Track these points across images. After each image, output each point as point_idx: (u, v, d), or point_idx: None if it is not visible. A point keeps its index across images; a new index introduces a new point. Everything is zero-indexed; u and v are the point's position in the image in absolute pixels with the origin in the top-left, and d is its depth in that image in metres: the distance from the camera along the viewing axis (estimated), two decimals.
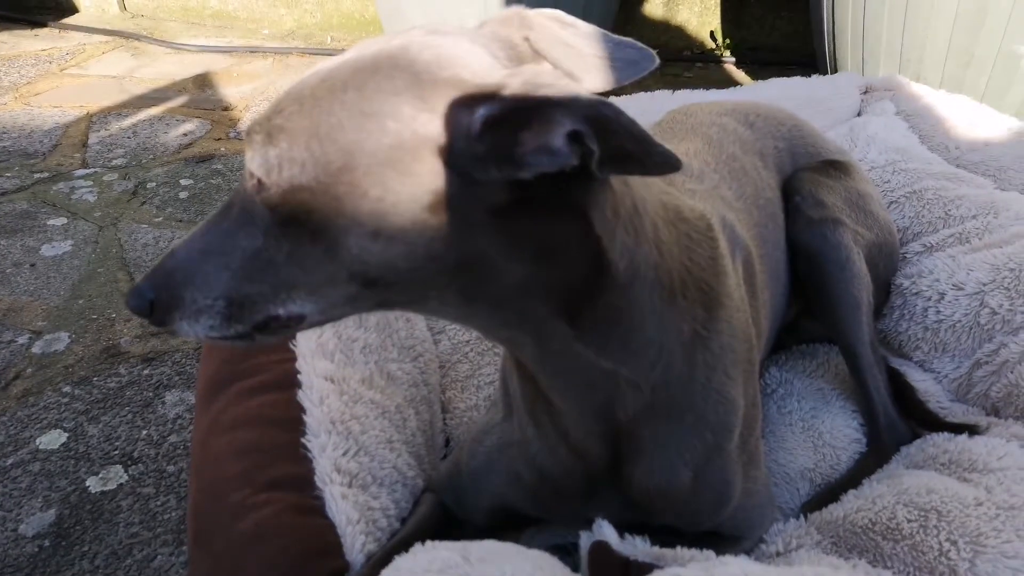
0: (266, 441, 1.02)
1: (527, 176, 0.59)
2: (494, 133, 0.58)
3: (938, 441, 1.18)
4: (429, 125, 0.60)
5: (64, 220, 2.44)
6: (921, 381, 1.37)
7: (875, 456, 1.22)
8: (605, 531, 0.87)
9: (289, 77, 3.58)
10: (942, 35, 2.42)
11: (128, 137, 3.03)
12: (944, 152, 1.82)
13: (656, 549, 0.87)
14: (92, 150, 2.92)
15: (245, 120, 3.17)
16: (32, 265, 2.20)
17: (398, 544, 0.91)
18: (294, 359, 1.13)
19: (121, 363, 1.80)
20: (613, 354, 0.77)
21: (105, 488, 1.46)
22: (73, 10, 4.64)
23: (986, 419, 1.26)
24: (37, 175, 2.73)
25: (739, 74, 3.70)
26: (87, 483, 1.47)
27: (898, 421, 1.25)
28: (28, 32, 4.30)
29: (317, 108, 0.62)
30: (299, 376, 1.10)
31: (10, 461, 1.52)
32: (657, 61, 0.78)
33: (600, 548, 0.86)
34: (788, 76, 2.22)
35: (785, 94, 2.00)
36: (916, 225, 1.58)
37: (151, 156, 2.88)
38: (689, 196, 0.98)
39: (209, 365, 1.17)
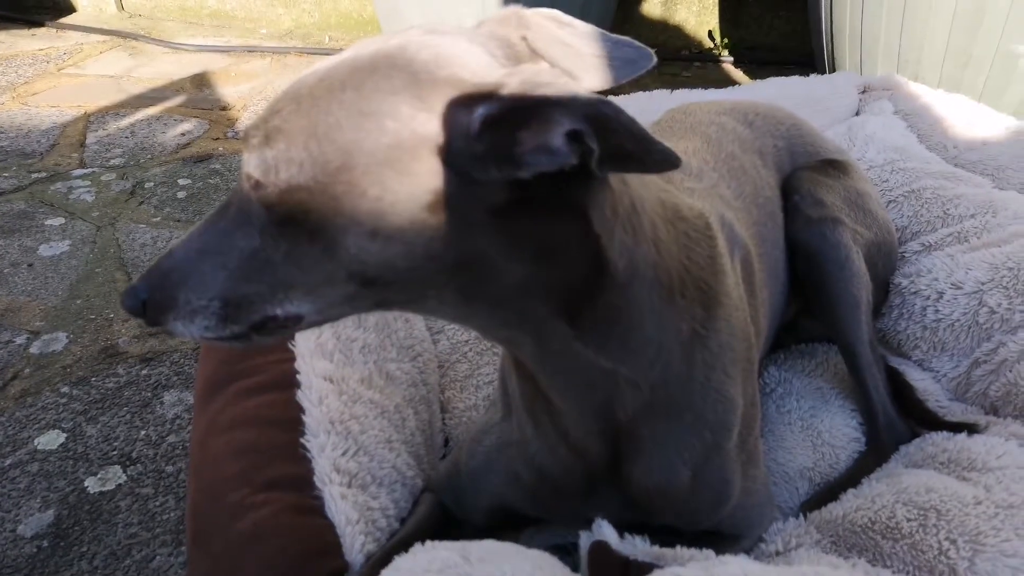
0: (265, 441, 1.01)
1: (526, 175, 0.59)
2: (493, 132, 0.58)
3: (937, 440, 1.18)
4: (428, 124, 0.60)
5: (62, 220, 2.44)
6: (920, 380, 1.37)
7: (874, 455, 1.22)
8: (605, 531, 0.87)
9: (287, 77, 3.58)
10: (940, 35, 2.42)
11: (126, 137, 3.02)
12: (942, 151, 1.82)
13: (656, 549, 0.87)
14: (90, 150, 2.92)
15: (243, 120, 3.17)
16: (30, 265, 2.20)
17: (397, 544, 0.91)
18: (293, 359, 1.13)
19: (119, 363, 1.80)
20: (612, 353, 0.77)
21: (104, 488, 1.46)
22: (71, 10, 4.64)
23: (985, 418, 1.26)
24: (35, 175, 2.72)
25: (737, 73, 3.70)
26: (86, 483, 1.47)
27: (897, 420, 1.25)
28: (25, 32, 4.30)
29: (315, 108, 0.62)
30: (298, 376, 1.10)
31: (8, 462, 1.52)
32: (655, 60, 0.78)
33: (600, 548, 0.86)
34: (786, 75, 2.22)
35: (783, 93, 2.00)
36: (915, 224, 1.58)
37: (149, 156, 2.88)
38: (688, 194, 0.98)
39: (207, 365, 1.17)
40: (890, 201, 1.63)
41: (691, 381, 0.84)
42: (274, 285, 0.66)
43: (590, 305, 0.72)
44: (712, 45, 3.94)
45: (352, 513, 0.94)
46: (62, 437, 1.58)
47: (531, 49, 0.73)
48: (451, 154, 0.60)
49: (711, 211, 0.94)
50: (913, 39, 2.49)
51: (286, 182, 0.62)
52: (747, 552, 1.02)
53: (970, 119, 1.89)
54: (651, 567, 0.82)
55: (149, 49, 4.05)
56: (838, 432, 1.26)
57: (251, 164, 0.63)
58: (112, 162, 2.83)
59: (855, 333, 1.24)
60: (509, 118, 0.57)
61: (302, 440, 1.01)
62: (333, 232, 0.62)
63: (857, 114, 2.07)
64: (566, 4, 1.26)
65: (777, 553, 1.02)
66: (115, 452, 1.54)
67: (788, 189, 1.31)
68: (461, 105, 0.59)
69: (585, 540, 0.88)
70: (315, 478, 0.98)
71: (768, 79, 2.21)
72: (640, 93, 2.09)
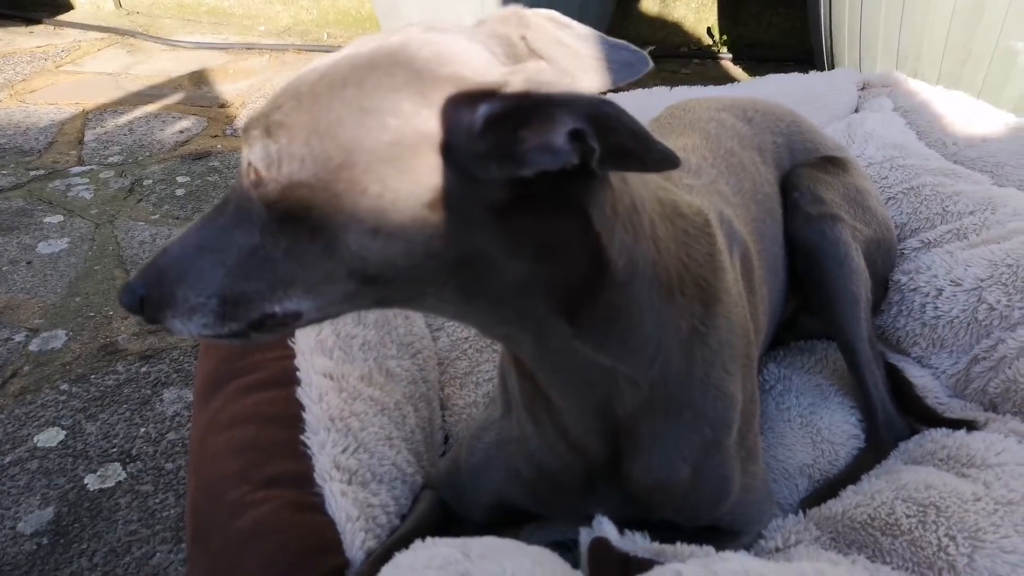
0: (264, 438, 1.01)
1: (528, 174, 0.59)
2: (495, 131, 0.58)
3: (936, 437, 1.18)
4: (429, 122, 0.60)
5: (60, 217, 2.44)
6: (919, 377, 1.37)
7: (873, 452, 1.22)
8: (605, 527, 0.87)
9: (285, 74, 3.57)
10: (939, 31, 2.42)
11: (124, 134, 3.02)
12: (942, 148, 1.82)
13: (656, 545, 0.88)
14: (88, 147, 2.91)
15: (241, 117, 3.17)
16: (28, 263, 2.19)
17: (398, 541, 0.91)
18: (293, 356, 1.13)
19: (119, 361, 1.80)
20: (611, 351, 0.77)
21: (103, 486, 1.46)
22: (68, 7, 4.63)
23: (984, 415, 1.26)
24: (33, 172, 2.72)
25: (736, 70, 3.70)
26: (85, 481, 1.47)
27: (896, 417, 1.25)
28: (23, 29, 4.29)
29: (316, 104, 0.61)
30: (298, 373, 1.10)
31: (8, 459, 1.52)
32: (651, 64, 0.79)
33: (600, 544, 0.86)
34: (785, 72, 2.22)
35: (782, 90, 2.00)
36: (914, 221, 1.58)
37: (147, 153, 2.87)
38: (687, 191, 0.98)
39: (207, 362, 1.17)
40: (889, 198, 1.63)
41: (690, 378, 0.84)
42: (273, 282, 0.65)
43: (589, 303, 0.72)
44: (711, 42, 3.93)
45: (352, 510, 0.94)
46: (62, 434, 1.58)
47: (530, 49, 0.73)
48: (453, 152, 0.60)
49: (710, 208, 0.94)
50: (912, 36, 2.49)
51: (287, 178, 0.62)
52: (747, 548, 1.02)
53: (969, 116, 1.89)
54: (651, 563, 0.82)
55: (147, 46, 4.04)
56: (837, 429, 1.26)
57: (255, 155, 0.63)
58: (110, 159, 2.83)
59: (854, 330, 1.24)
60: (511, 116, 0.57)
61: (302, 437, 1.01)
62: (334, 229, 0.61)
63: (856, 111, 2.07)
64: (564, 2, 1.26)
65: (777, 549, 1.02)
66: (115, 449, 1.54)
67: (787, 186, 1.31)
68: (463, 103, 0.59)
69: (585, 536, 0.88)
70: (315, 475, 0.98)
71: (767, 76, 2.22)
72: (639, 90, 2.09)
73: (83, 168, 2.76)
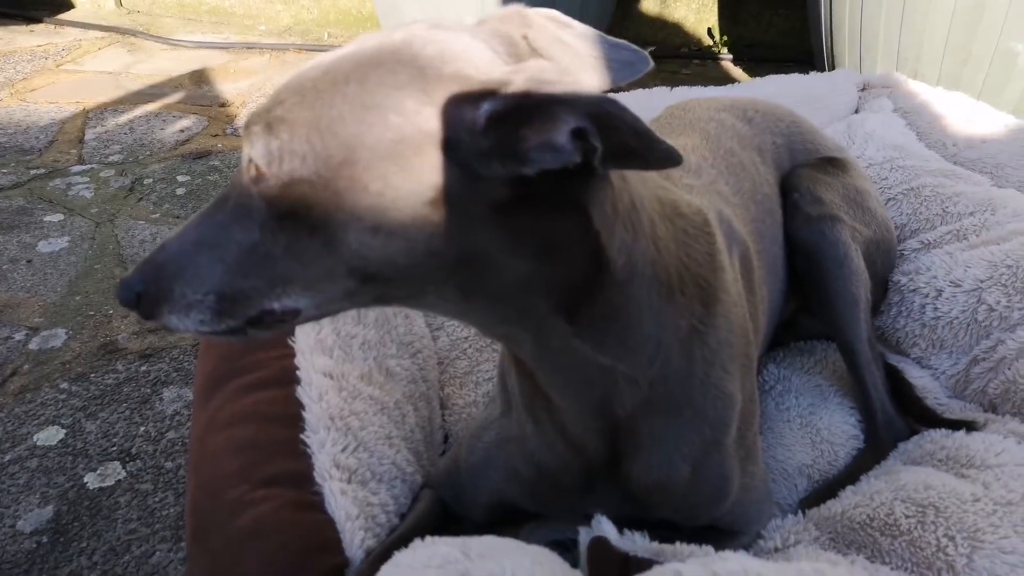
0: (264, 437, 1.01)
1: (530, 172, 0.59)
2: (498, 129, 0.58)
3: (936, 437, 1.18)
4: (432, 120, 0.60)
5: (61, 216, 2.44)
6: (919, 378, 1.37)
7: (873, 452, 1.22)
8: (604, 527, 0.87)
9: (286, 73, 3.55)
10: (940, 32, 2.42)
11: (125, 133, 3.02)
12: (941, 149, 1.82)
13: (655, 545, 0.88)
14: (88, 146, 2.91)
15: (242, 117, 3.17)
16: (29, 261, 2.19)
17: (397, 540, 0.91)
18: (293, 355, 1.13)
19: (119, 359, 1.80)
20: (611, 350, 0.77)
21: (103, 484, 1.46)
22: (69, 6, 4.63)
23: (983, 415, 1.26)
24: (33, 171, 2.72)
25: (736, 71, 3.70)
26: (85, 479, 1.47)
27: (896, 417, 1.25)
28: (24, 28, 4.29)
29: (319, 100, 0.61)
30: (298, 372, 1.10)
31: (8, 457, 1.52)
32: (651, 63, 0.79)
33: (599, 544, 0.86)
34: (785, 73, 2.22)
35: (783, 91, 2.00)
36: (914, 222, 1.58)
37: (148, 152, 2.87)
38: (686, 191, 0.98)
39: (207, 361, 1.17)
40: (889, 199, 1.63)
41: (690, 377, 0.84)
42: (272, 279, 0.65)
43: (589, 302, 0.72)
44: (711, 43, 3.94)
45: (352, 509, 0.94)
46: (61, 433, 1.58)
47: (532, 48, 0.73)
48: (455, 150, 0.60)
49: (709, 207, 0.94)
50: (912, 36, 2.49)
51: (288, 175, 0.62)
52: (746, 548, 1.02)
53: (969, 117, 1.89)
54: (650, 563, 0.82)
55: (148, 45, 4.04)
56: (837, 429, 1.26)
57: (256, 151, 0.63)
58: (111, 158, 2.83)
59: (854, 331, 1.24)
60: (514, 115, 0.57)
61: (302, 436, 1.01)
62: (334, 227, 0.61)
63: (856, 112, 2.07)
64: (565, 2, 1.26)
65: (776, 550, 1.02)
66: (114, 448, 1.54)
67: (787, 186, 1.31)
68: (466, 101, 0.59)
69: (584, 536, 0.88)
70: (315, 474, 0.98)
71: (767, 77, 2.22)
72: (639, 90, 2.09)
73: (83, 167, 2.76)
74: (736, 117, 1.32)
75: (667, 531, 0.91)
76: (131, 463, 1.51)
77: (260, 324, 0.68)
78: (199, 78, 3.59)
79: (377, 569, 0.81)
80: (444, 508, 1.04)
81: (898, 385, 1.30)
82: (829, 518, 1.04)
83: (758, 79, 2.24)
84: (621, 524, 0.89)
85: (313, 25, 4.38)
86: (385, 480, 1.03)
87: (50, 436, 1.57)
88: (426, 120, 0.60)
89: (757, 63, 3.69)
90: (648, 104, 1.81)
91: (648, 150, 0.56)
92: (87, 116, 3.16)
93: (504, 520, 1.03)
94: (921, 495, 1.00)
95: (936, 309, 1.40)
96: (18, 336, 1.88)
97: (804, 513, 1.08)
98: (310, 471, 0.98)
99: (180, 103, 3.32)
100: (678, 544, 0.88)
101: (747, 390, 0.93)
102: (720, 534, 0.98)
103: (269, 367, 1.11)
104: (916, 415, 1.27)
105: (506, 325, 0.75)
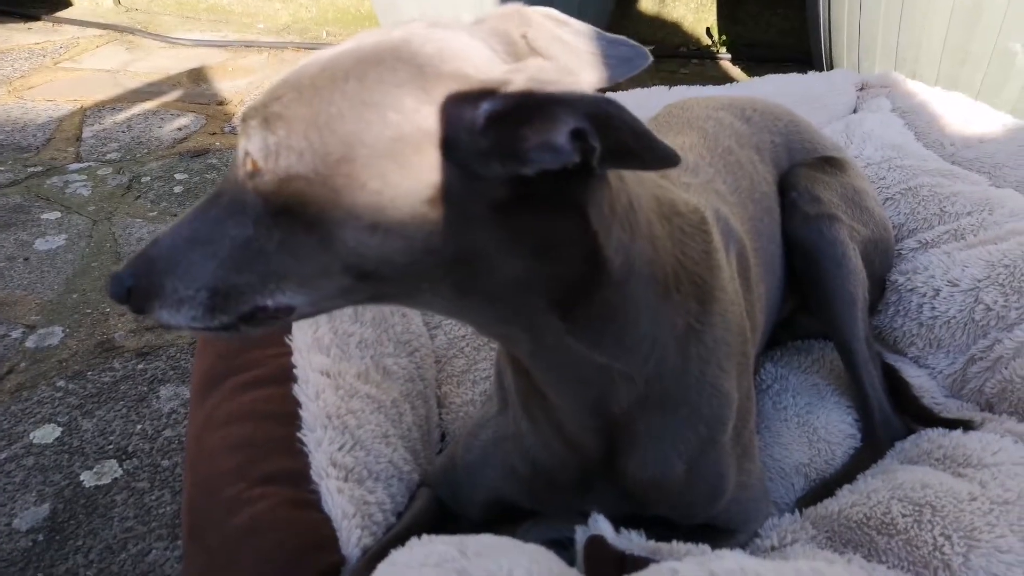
0: (261, 435, 1.01)
1: (529, 172, 0.59)
2: (497, 128, 0.58)
3: (932, 436, 1.18)
4: (431, 118, 0.59)
5: (58, 214, 2.43)
6: (916, 377, 1.37)
7: (870, 451, 1.22)
8: (601, 525, 0.87)
9: (284, 72, 3.57)
10: (938, 32, 2.42)
11: (122, 131, 3.02)
12: (939, 149, 1.82)
13: (652, 543, 0.88)
14: (86, 144, 2.91)
15: (239, 115, 3.16)
16: (26, 259, 2.19)
17: (394, 538, 0.91)
18: (290, 353, 1.13)
19: (115, 357, 1.80)
20: (607, 349, 0.77)
21: (99, 482, 1.46)
22: (67, 3, 4.62)
23: (980, 415, 1.26)
24: (31, 169, 2.71)
25: (735, 71, 3.70)
26: (81, 477, 1.47)
27: (893, 416, 1.25)
28: (21, 25, 4.28)
29: (317, 97, 0.61)
30: (295, 371, 1.10)
31: (4, 455, 1.52)
32: (650, 58, 0.79)
33: (596, 542, 0.86)
34: (784, 73, 2.22)
35: (781, 91, 2.00)
36: (911, 221, 1.58)
37: (145, 150, 2.87)
38: (683, 190, 0.98)
39: (204, 360, 1.16)
40: (887, 198, 1.63)
41: (686, 375, 0.84)
42: (266, 276, 0.65)
43: (586, 301, 0.72)
44: (710, 42, 3.94)
45: (348, 507, 0.94)
46: (58, 431, 1.58)
47: (531, 47, 0.73)
48: (454, 149, 0.60)
49: (706, 206, 0.94)
50: (911, 36, 2.49)
51: (285, 171, 0.61)
52: (743, 547, 1.02)
53: (967, 116, 1.89)
54: (647, 561, 0.82)
55: (146, 43, 4.04)
56: (834, 428, 1.26)
57: (253, 145, 0.62)
58: (108, 156, 2.82)
59: (851, 330, 1.25)
60: (513, 115, 0.57)
61: (299, 434, 1.01)
62: (330, 224, 0.61)
63: (855, 111, 2.07)
64: (564, 1, 1.26)
65: (773, 548, 1.02)
66: (111, 446, 1.54)
67: (785, 186, 1.31)
68: (465, 100, 0.59)
69: (581, 535, 0.88)
70: (311, 472, 0.97)
71: (766, 76, 2.22)
72: (638, 89, 2.09)
73: (81, 165, 2.75)
74: (734, 116, 1.32)
75: (664, 529, 0.91)
76: (127, 461, 1.50)
77: (253, 320, 0.68)
78: (197, 76, 3.59)
79: (374, 567, 0.81)
80: (441, 506, 1.04)
81: (895, 384, 1.30)
82: (826, 517, 1.04)
83: (756, 79, 2.25)
84: (618, 522, 0.89)
85: (311, 23, 4.38)
86: (382, 478, 1.03)
87: (46, 434, 1.57)
88: (425, 118, 0.60)
89: (756, 63, 3.69)
90: (646, 103, 1.81)
91: (647, 151, 0.56)
92: (85, 114, 3.16)
93: (501, 518, 1.03)
94: (918, 494, 1.00)
95: (933, 308, 1.40)
96: (15, 334, 1.88)
97: (801, 512, 1.08)
98: (307, 469, 0.98)
99: (178, 101, 3.32)
100: (675, 543, 0.88)
101: (744, 388, 0.93)
102: (717, 532, 0.98)
103: (266, 365, 1.11)
104: (913, 414, 1.28)
105: (502, 323, 0.74)
